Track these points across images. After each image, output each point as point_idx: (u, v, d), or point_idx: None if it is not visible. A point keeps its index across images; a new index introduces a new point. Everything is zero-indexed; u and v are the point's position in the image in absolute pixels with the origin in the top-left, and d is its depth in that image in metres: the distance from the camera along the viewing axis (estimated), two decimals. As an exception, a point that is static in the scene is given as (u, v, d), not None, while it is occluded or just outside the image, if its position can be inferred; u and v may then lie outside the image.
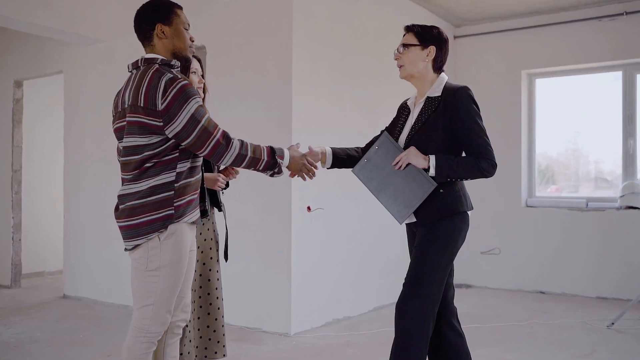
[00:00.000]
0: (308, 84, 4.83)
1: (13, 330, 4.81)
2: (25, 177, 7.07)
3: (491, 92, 6.86)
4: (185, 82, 2.29)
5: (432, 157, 2.61)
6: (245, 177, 4.88)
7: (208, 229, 3.02)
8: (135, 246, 2.35)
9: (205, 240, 2.99)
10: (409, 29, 2.77)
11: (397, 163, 2.66)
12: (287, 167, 2.57)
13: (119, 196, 2.39)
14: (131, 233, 2.34)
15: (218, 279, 3.05)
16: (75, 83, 6.24)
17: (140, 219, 2.32)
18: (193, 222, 2.44)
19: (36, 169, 7.41)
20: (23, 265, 7.07)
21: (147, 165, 2.32)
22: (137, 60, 2.41)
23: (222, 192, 3.14)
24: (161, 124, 2.27)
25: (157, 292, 2.35)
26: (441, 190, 2.64)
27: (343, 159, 2.90)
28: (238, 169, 3.09)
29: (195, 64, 2.96)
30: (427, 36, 2.74)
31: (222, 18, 5.11)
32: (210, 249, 3.03)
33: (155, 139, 2.30)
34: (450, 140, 2.65)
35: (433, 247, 2.63)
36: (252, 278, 4.88)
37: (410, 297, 2.61)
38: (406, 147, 2.72)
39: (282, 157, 2.49)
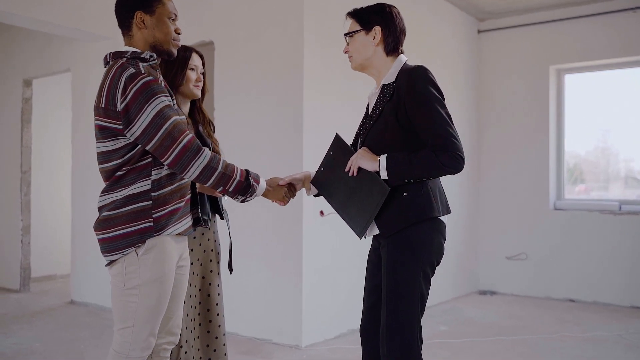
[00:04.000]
0: (320, 80, 4.56)
1: (12, 340, 4.60)
2: (35, 178, 6.90)
3: (517, 89, 6.52)
4: (149, 78, 2.02)
5: (382, 158, 2.21)
6: (253, 179, 4.63)
7: (208, 239, 2.74)
8: (112, 261, 2.11)
9: (204, 251, 2.72)
10: (349, 15, 2.44)
11: (350, 168, 2.31)
12: (264, 196, 2.30)
13: (98, 208, 2.16)
14: (106, 247, 2.10)
15: (219, 294, 2.78)
16: (82, 81, 6.04)
17: (116, 231, 2.08)
18: (180, 234, 2.18)
19: (46, 170, 7.22)
20: (33, 269, 6.90)
21: (119, 173, 2.09)
22: (106, 55, 2.16)
23: (225, 198, 2.87)
24: (121, 126, 2.02)
25: (137, 313, 2.09)
26: (405, 194, 2.23)
27: None
28: None
29: (196, 60, 2.70)
30: (367, 17, 2.38)
31: (229, 11, 4.86)
32: (211, 261, 2.76)
33: (120, 143, 2.06)
34: (408, 133, 2.23)
35: (403, 263, 2.23)
36: (261, 286, 4.61)
37: (394, 332, 2.22)
38: (361, 146, 2.34)
39: (257, 182, 2.20)
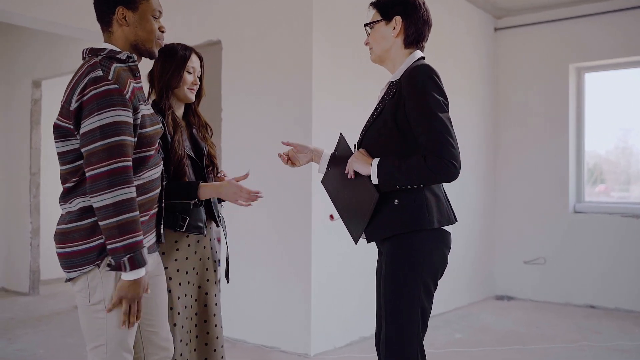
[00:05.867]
0: (329, 80, 4.41)
1: (16, 346, 4.51)
2: (44, 180, 6.83)
3: (536, 89, 6.33)
4: (113, 87, 1.87)
5: (374, 162, 2.09)
6: (259, 182, 4.49)
7: (204, 247, 2.60)
8: (72, 278, 1.98)
9: (200, 259, 2.58)
10: (371, 5, 2.30)
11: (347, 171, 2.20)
12: (119, 293, 1.91)
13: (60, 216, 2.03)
14: (65, 263, 1.98)
15: (216, 304, 2.64)
16: (90, 82, 5.95)
17: (72, 247, 1.94)
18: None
19: (55, 171, 7.06)
20: (42, 272, 6.83)
21: (68, 185, 1.96)
22: (83, 50, 2.03)
23: (222, 205, 2.73)
24: (71, 127, 1.90)
25: (108, 330, 1.95)
26: (396, 201, 2.09)
27: None
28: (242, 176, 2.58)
29: (194, 62, 2.56)
30: (388, 7, 2.23)
31: (237, 10, 4.73)
32: (207, 269, 2.61)
33: (69, 146, 1.93)
34: (404, 136, 2.10)
35: (401, 273, 2.09)
36: (269, 292, 4.48)
37: (392, 345, 2.11)
38: (360, 146, 2.23)
39: (141, 264, 1.88)
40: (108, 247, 1.86)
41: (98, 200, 1.84)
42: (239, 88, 4.71)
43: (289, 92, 4.42)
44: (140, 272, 1.89)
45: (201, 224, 2.53)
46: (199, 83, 2.58)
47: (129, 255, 1.85)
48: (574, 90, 6.22)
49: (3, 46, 7.00)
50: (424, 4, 2.25)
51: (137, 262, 1.87)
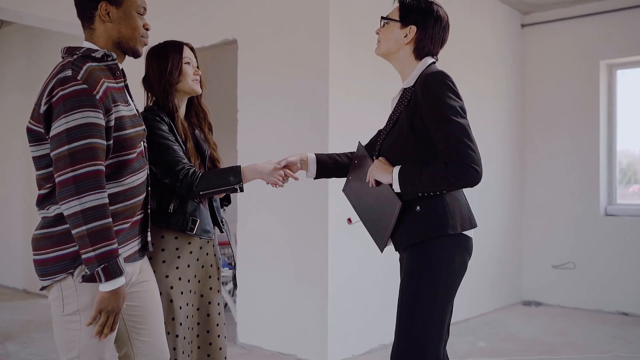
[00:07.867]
0: (347, 80, 4.27)
1: (30, 350, 4.47)
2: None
3: (565, 86, 6.10)
4: (81, 87, 1.77)
5: (395, 170, 2.07)
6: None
7: (207, 254, 2.49)
8: (46, 286, 1.89)
9: (203, 267, 2.47)
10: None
11: (369, 180, 2.20)
12: (98, 305, 1.81)
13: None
14: (38, 271, 1.89)
15: (219, 313, 2.53)
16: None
17: (46, 254, 1.86)
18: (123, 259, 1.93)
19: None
20: (63, 274, 6.82)
21: (43, 192, 1.87)
22: (61, 50, 1.94)
23: (224, 209, 2.63)
24: (42, 130, 1.81)
25: (81, 342, 1.86)
26: (418, 208, 2.08)
27: (329, 166, 2.46)
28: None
29: (187, 52, 2.46)
30: (409, 12, 2.17)
31: (253, 8, 4.62)
32: (210, 277, 2.50)
33: (41, 150, 1.85)
34: (422, 142, 2.09)
35: (419, 281, 2.07)
36: (285, 298, 4.36)
37: (402, 354, 2.06)
38: (379, 154, 2.21)
39: (114, 275, 1.77)
40: (82, 256, 1.78)
41: (67, 208, 1.76)
42: (255, 87, 4.61)
43: (305, 91, 4.30)
44: (118, 282, 1.80)
45: (209, 228, 2.44)
46: (200, 72, 2.48)
47: (102, 265, 1.76)
48: (605, 88, 5.98)
49: (20, 48, 7.01)
50: (446, 21, 2.20)
51: (112, 272, 1.78)
